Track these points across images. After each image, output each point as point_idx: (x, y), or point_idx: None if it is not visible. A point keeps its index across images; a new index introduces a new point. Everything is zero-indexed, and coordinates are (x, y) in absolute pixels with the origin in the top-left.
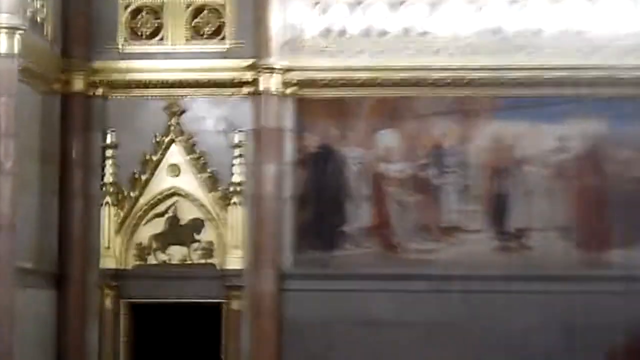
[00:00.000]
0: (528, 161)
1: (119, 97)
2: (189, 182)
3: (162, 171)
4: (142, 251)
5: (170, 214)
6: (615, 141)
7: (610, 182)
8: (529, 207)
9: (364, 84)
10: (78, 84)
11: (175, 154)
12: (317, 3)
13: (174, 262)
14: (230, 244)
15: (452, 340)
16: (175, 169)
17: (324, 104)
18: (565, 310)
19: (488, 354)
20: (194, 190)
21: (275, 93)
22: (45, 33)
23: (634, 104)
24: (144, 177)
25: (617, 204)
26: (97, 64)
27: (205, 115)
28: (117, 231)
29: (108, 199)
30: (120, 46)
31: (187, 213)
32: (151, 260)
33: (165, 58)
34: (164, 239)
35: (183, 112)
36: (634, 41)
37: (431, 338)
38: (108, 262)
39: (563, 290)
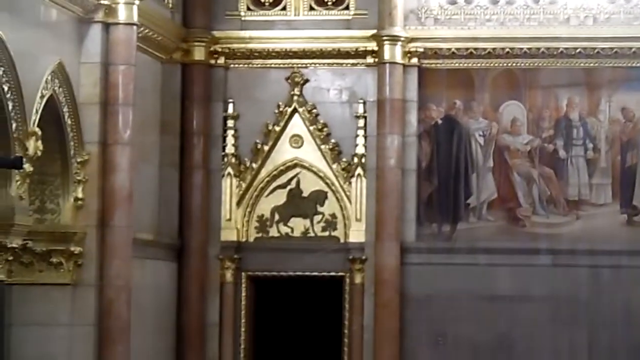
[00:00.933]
0: None
1: (240, 67)
2: (312, 153)
3: (284, 142)
4: (264, 223)
5: (292, 185)
6: None
7: None
8: None
9: (489, 54)
10: (199, 54)
11: (298, 125)
12: None
13: (296, 234)
14: (352, 216)
15: (576, 316)
16: (297, 140)
17: (448, 75)
18: None
19: (612, 330)
20: (316, 162)
21: (399, 63)
22: (165, 1)
23: None
24: (265, 148)
25: None
26: (218, 33)
27: (328, 85)
28: (238, 203)
29: (229, 170)
30: (241, 15)
31: (310, 185)
32: (273, 232)
33: (287, 27)
34: (286, 211)
35: (306, 82)
36: None
37: (555, 313)
38: (229, 235)
39: None
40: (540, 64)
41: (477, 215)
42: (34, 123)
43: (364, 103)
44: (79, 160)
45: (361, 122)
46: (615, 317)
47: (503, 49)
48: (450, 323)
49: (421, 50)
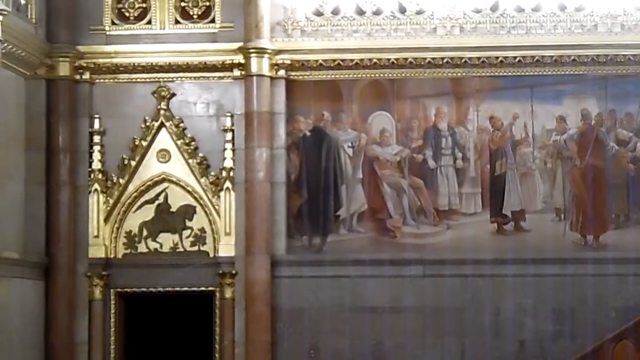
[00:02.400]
0: (525, 142)
1: (105, 82)
2: (179, 167)
3: (152, 157)
4: (132, 239)
5: (160, 200)
6: (613, 121)
7: (608, 163)
8: (527, 188)
9: (357, 65)
10: (63, 69)
11: (165, 139)
12: None
13: (165, 250)
14: (222, 230)
15: (447, 325)
16: (165, 155)
17: (315, 86)
18: (559, 293)
19: (482, 339)
20: (184, 176)
21: (266, 76)
22: (29, 16)
23: (633, 82)
24: (132, 163)
25: (615, 184)
26: (83, 48)
27: (195, 99)
28: (106, 219)
29: (96, 186)
30: (106, 29)
31: (178, 199)
32: (141, 248)
33: (153, 41)
34: (154, 227)
35: (172, 95)
36: (634, 18)
37: (426, 323)
38: (97, 251)
39: (557, 273)
40: (407, 74)
41: (347, 227)
42: None
43: (232, 116)
44: None
45: (229, 136)
46: (485, 327)
47: (370, 59)
48: (322, 335)
49: (288, 62)
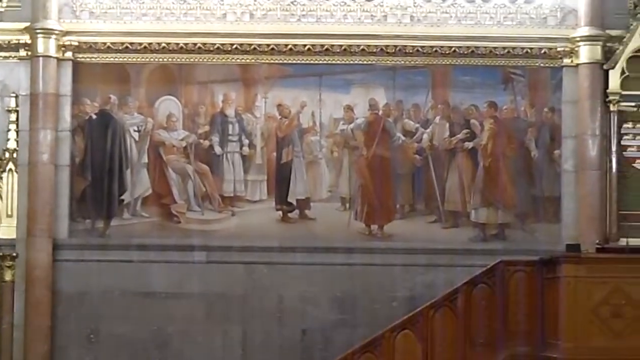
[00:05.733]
0: (313, 130)
1: None
2: None
3: None
4: None
5: None
6: (401, 111)
7: (395, 153)
8: (313, 177)
9: (145, 49)
10: None
11: None
12: None
13: None
14: (3, 212)
15: (230, 312)
16: None
17: (103, 69)
18: (343, 282)
19: (265, 326)
20: None
21: (52, 57)
22: None
23: (421, 73)
24: None
25: (401, 175)
26: None
27: None
28: None
29: None
30: None
31: None
32: None
33: None
34: None
35: None
36: (423, 9)
37: (210, 310)
38: None
39: (343, 262)
40: (196, 60)
41: (131, 211)
42: None
43: (16, 97)
44: None
45: (13, 117)
46: (269, 314)
47: (159, 43)
48: (104, 320)
49: (76, 44)
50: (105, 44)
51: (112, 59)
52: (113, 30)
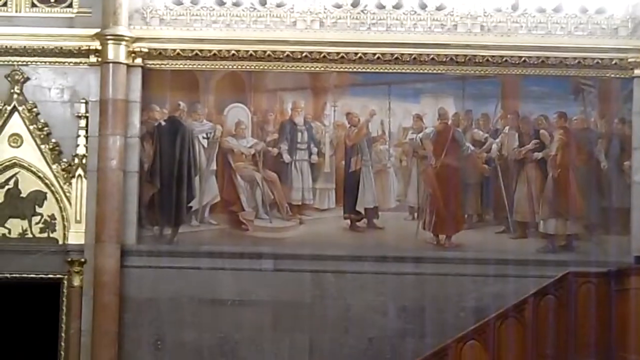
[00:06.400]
0: (382, 139)
1: None
2: (31, 153)
3: (3, 141)
4: None
5: (10, 185)
6: (470, 121)
7: (464, 163)
8: (381, 186)
9: (215, 56)
10: None
11: (17, 124)
12: None
13: (13, 235)
14: (72, 218)
15: (298, 321)
16: (17, 139)
17: (173, 76)
18: (410, 291)
19: (333, 335)
20: (36, 162)
21: (122, 63)
22: None
23: (491, 83)
24: None
25: (470, 185)
26: None
27: (50, 84)
28: None
29: None
30: None
31: (29, 185)
32: None
33: (8, 24)
34: (3, 212)
35: (26, 80)
36: (493, 19)
37: (277, 318)
38: None
39: (411, 272)
40: (265, 67)
41: (199, 218)
42: None
43: (86, 103)
44: None
45: (83, 122)
46: (337, 323)
47: (229, 51)
48: (171, 327)
49: (145, 50)
50: (175, 50)
51: (181, 66)
52: (183, 37)
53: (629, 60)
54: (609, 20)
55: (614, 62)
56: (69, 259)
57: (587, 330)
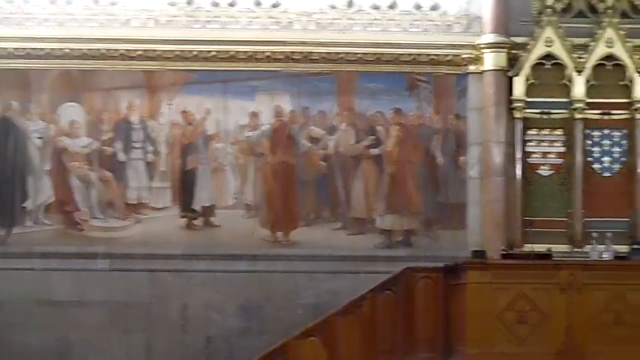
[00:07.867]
0: (218, 137)
1: None
2: None
3: None
4: None
5: None
6: (306, 118)
7: (301, 160)
8: (218, 184)
9: (47, 55)
10: None
11: None
12: None
13: None
14: None
15: (133, 320)
16: None
17: (4, 75)
18: (248, 289)
19: (169, 334)
20: None
21: None
22: None
23: (327, 80)
24: None
25: (307, 182)
26: None
27: None
28: None
29: None
30: None
31: None
32: None
33: None
34: None
35: None
36: (329, 16)
37: (113, 318)
38: None
39: (248, 270)
40: (99, 66)
41: (33, 219)
42: None
43: None
44: None
45: None
46: (174, 322)
47: (61, 49)
48: (7, 329)
49: None
50: (6, 49)
51: (13, 65)
52: (14, 36)
53: (463, 56)
54: (443, 16)
55: (448, 58)
56: None
57: (426, 324)
